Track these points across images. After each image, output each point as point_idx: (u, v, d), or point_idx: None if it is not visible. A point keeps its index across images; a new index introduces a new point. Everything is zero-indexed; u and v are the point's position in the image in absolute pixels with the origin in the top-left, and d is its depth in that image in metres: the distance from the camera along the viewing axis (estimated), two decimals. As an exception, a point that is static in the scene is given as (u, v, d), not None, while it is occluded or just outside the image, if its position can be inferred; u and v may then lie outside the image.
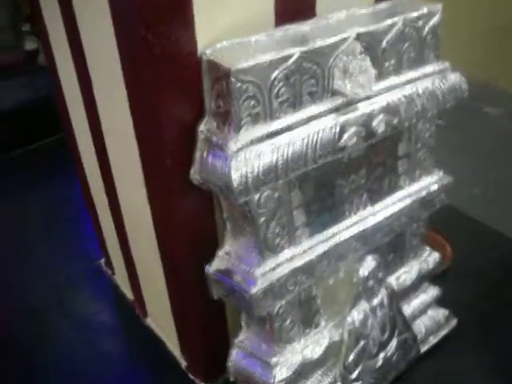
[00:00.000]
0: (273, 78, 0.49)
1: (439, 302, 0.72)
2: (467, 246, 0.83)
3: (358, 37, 0.54)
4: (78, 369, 0.68)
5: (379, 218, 0.64)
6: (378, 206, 0.65)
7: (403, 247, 0.67)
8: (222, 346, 0.60)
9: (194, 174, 0.53)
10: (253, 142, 0.50)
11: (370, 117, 0.57)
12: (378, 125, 0.57)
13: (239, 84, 0.47)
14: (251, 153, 0.49)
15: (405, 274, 0.67)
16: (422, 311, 0.70)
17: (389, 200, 0.66)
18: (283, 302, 0.54)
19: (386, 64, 0.58)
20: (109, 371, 0.68)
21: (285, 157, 0.51)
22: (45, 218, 1.05)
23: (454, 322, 0.71)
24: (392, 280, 0.66)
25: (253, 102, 0.49)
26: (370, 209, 0.64)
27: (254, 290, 0.50)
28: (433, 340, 0.69)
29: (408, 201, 0.67)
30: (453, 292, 0.73)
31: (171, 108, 0.51)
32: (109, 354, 0.71)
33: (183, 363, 0.68)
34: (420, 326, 0.69)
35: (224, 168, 0.49)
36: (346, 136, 0.55)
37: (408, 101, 0.60)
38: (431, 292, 0.71)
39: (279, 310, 0.55)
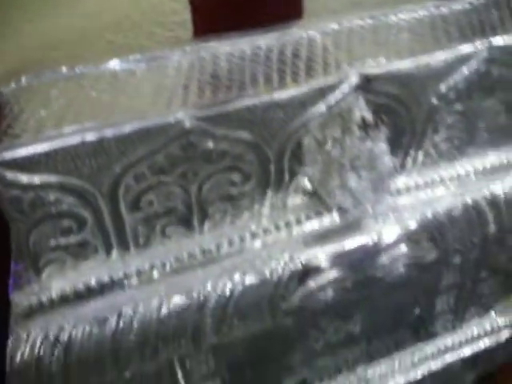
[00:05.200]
0: (120, 171, 0.21)
1: None
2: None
3: (366, 83, 0.23)
4: None
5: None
6: (386, 365, 0.36)
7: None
8: None
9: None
10: (61, 302, 0.22)
11: (376, 247, 0.27)
12: (392, 264, 0.27)
13: (14, 192, 0.19)
14: (52, 324, 0.22)
15: None
16: None
17: (410, 357, 0.37)
18: None
19: (436, 139, 0.27)
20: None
21: (128, 338, 0.23)
22: None
23: None
24: None
25: (67, 223, 0.21)
26: (370, 372, 0.36)
27: None
28: None
29: (446, 359, 0.37)
30: None
31: None
32: None
33: None
34: None
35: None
36: (307, 287, 0.26)
37: (467, 215, 0.29)
38: None
39: None
